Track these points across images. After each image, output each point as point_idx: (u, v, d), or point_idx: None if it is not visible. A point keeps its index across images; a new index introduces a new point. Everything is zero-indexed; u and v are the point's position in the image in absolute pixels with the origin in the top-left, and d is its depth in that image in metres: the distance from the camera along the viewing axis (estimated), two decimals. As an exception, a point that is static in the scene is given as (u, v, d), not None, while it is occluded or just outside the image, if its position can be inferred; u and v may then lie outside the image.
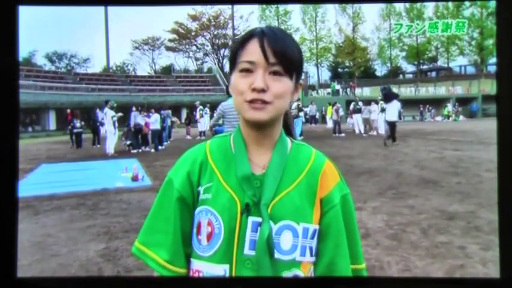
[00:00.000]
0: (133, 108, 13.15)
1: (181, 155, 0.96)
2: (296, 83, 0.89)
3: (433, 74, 41.65)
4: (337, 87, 31.40)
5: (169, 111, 14.63)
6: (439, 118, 27.50)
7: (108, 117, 11.65)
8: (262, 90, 0.82)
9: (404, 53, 41.58)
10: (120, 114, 12.39)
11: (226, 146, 0.93)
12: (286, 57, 0.84)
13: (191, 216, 0.90)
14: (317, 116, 24.27)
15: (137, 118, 12.13)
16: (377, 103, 15.34)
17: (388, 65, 42.67)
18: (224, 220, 0.85)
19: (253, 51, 0.83)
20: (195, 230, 0.89)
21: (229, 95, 6.49)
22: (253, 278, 0.82)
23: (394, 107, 12.11)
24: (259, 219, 0.84)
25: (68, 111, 16.37)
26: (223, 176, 0.89)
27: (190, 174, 0.90)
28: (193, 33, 40.41)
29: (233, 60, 0.87)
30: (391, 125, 11.70)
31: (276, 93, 0.83)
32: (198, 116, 16.93)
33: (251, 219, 0.84)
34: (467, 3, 35.84)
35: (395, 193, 5.53)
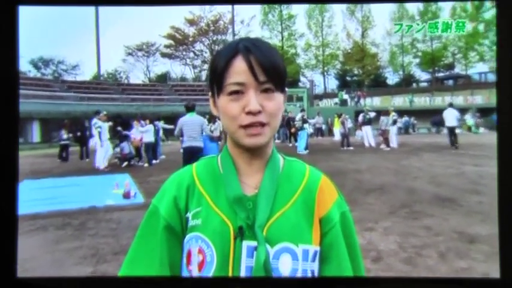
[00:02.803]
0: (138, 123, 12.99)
1: (166, 180, 0.97)
2: (284, 95, 0.90)
3: (450, 82, 41.59)
4: (345, 96, 31.51)
5: (159, 123, 14.54)
6: (457, 131, 27.42)
7: (94, 129, 11.65)
8: (258, 112, 0.83)
9: (418, 60, 41.54)
10: (106, 123, 12.06)
11: (213, 168, 0.94)
12: (276, 73, 0.85)
13: (180, 246, 0.90)
14: (323, 128, 24.27)
15: (125, 148, 12.07)
16: (388, 114, 15.37)
17: (400, 72, 42.75)
18: (216, 246, 0.85)
19: (240, 71, 0.83)
20: (185, 260, 0.88)
21: (187, 111, 7.34)
22: (252, 278, 0.83)
23: (451, 114, 14.07)
24: (255, 243, 0.84)
25: (65, 121, 16.37)
26: (212, 199, 0.89)
27: (177, 200, 0.90)
28: (190, 39, 40.86)
29: (218, 82, 0.86)
30: (451, 130, 14.19)
31: (271, 112, 0.85)
32: None
33: (246, 244, 0.84)
34: (488, 5, 36.07)
35: (408, 212, 5.51)
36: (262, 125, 0.84)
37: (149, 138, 12.21)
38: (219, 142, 17.95)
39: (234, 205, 0.87)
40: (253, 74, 0.82)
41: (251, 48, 0.84)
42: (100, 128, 11.37)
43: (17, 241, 0.88)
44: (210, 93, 0.92)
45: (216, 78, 0.86)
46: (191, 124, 7.20)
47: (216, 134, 17.93)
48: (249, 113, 0.82)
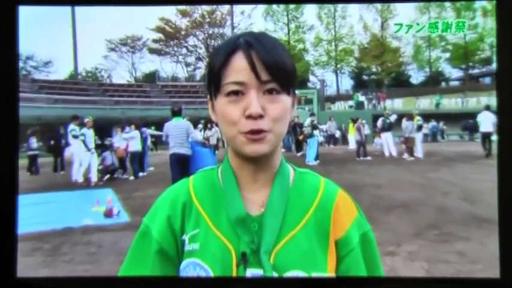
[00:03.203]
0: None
1: (159, 196, 0.98)
2: (293, 98, 0.91)
3: (487, 80, 41.11)
4: (362, 98, 31.54)
5: (147, 129, 14.46)
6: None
7: (71, 136, 11.55)
8: (260, 116, 0.83)
9: (447, 54, 41.10)
10: (91, 130, 11.90)
11: (213, 182, 0.95)
12: (281, 71, 0.85)
13: (176, 273, 0.91)
14: (337, 135, 24.28)
15: (107, 159, 12.03)
16: (412, 119, 15.36)
17: (427, 69, 42.67)
18: (217, 275, 0.85)
19: (240, 69, 0.83)
20: None
21: (173, 115, 7.81)
22: (253, 278, 0.85)
23: (487, 118, 14.14)
24: (260, 271, 0.84)
25: (36, 127, 16.37)
26: (212, 220, 0.89)
27: (172, 220, 0.91)
28: (183, 33, 41.10)
29: (215, 81, 0.87)
30: (486, 137, 14.38)
31: (276, 117, 0.84)
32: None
33: (250, 272, 0.85)
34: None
35: (438, 234, 5.48)
36: (264, 131, 0.84)
37: (135, 146, 12.20)
38: (217, 151, 18.03)
39: (237, 227, 0.87)
40: (254, 72, 0.82)
41: (253, 43, 0.84)
42: (84, 136, 11.23)
43: (17, 241, 0.99)
44: (208, 97, 0.93)
45: (213, 78, 0.87)
46: (176, 130, 7.79)
47: (213, 141, 18.00)
48: (249, 116, 0.82)
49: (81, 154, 11.26)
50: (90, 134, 11.42)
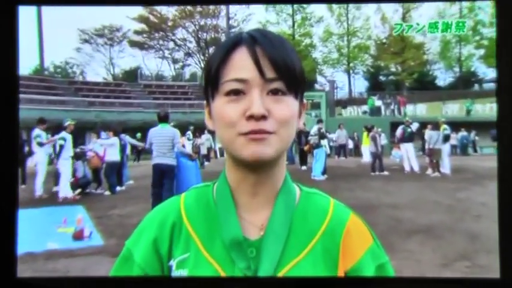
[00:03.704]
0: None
1: (146, 215, 0.99)
2: (301, 104, 0.93)
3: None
4: (378, 103, 31.59)
5: (126, 136, 14.37)
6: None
7: (35, 143, 11.44)
8: (262, 117, 0.83)
9: (481, 51, 40.82)
10: (64, 134, 11.65)
11: (207, 200, 0.96)
12: (288, 69, 0.86)
13: None
14: (349, 146, 24.33)
15: (79, 170, 11.93)
16: (437, 127, 15.38)
17: (456, 69, 42.64)
18: None
19: (242, 65, 0.85)
20: None
21: (159, 121, 8.19)
22: (251, 278, 0.87)
23: None
24: None
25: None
26: (203, 243, 0.90)
27: (158, 243, 0.92)
28: (170, 23, 41.18)
29: (213, 80, 0.88)
30: None
31: (281, 118, 0.85)
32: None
33: None
34: None
35: (469, 266, 5.46)
36: (267, 133, 0.85)
37: (113, 156, 12.15)
38: (207, 162, 18.04)
39: (232, 251, 0.88)
40: (258, 69, 0.84)
41: (258, 37, 0.87)
42: (64, 141, 11.10)
43: (17, 241, 1.10)
44: (205, 102, 0.95)
45: (212, 76, 0.88)
46: (160, 137, 8.08)
47: (203, 151, 18.01)
48: (251, 117, 0.83)
49: (66, 163, 11.18)
50: (70, 140, 11.33)
